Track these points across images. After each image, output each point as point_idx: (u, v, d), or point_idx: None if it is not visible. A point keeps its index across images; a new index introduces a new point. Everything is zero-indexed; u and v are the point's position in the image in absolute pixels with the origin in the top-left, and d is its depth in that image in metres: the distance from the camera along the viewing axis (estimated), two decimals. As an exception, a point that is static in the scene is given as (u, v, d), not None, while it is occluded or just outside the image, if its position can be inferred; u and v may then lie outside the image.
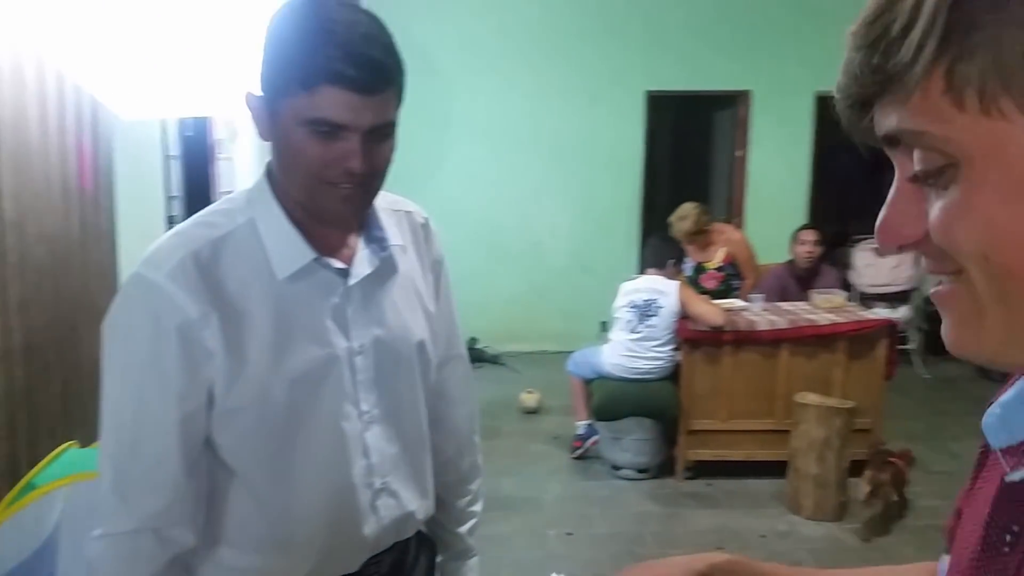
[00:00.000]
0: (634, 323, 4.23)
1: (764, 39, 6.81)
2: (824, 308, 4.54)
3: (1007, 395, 0.56)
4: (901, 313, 6.44)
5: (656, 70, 6.81)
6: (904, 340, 6.04)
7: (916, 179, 0.47)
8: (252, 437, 1.15)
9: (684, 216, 4.93)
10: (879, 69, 0.45)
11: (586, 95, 6.82)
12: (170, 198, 3.38)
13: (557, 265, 6.89)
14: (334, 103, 1.03)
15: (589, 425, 4.49)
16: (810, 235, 5.11)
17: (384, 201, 1.24)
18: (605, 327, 6.65)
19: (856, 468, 3.95)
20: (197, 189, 3.58)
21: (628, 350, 4.23)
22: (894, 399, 4.58)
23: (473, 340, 6.57)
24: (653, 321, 4.19)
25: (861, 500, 3.73)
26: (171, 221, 3.24)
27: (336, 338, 1.17)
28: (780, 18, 6.79)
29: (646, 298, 4.21)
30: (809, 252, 5.08)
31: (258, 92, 1.09)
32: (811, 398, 3.91)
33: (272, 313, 1.13)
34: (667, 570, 0.80)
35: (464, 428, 1.46)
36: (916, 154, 0.46)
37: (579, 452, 4.49)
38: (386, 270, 1.23)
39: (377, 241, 1.23)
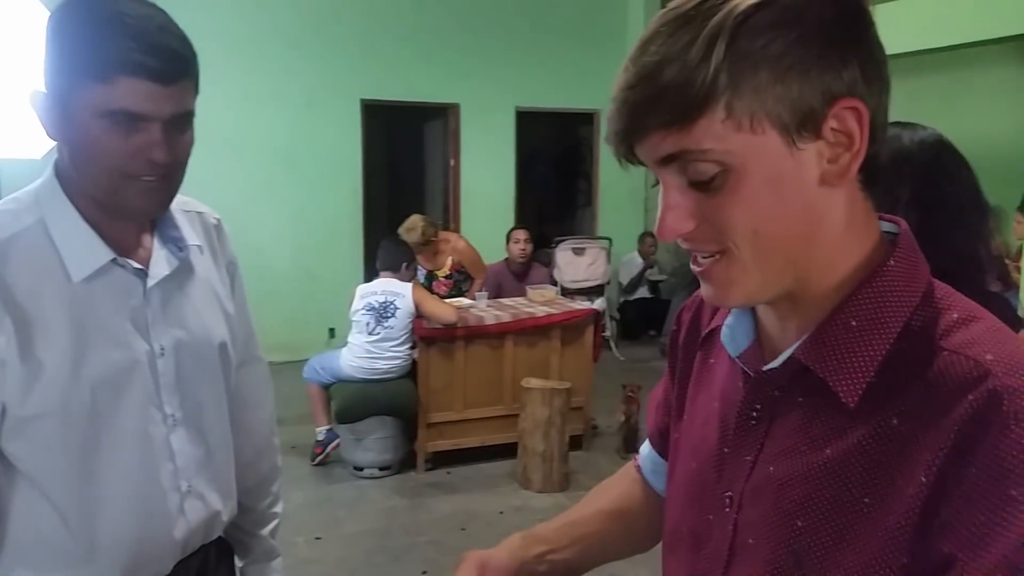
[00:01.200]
0: (372, 325, 4.36)
1: (472, 57, 7.30)
2: (539, 301, 5.03)
3: (729, 318, 0.79)
4: (598, 304, 7.25)
5: (370, 79, 6.99)
6: (603, 327, 6.80)
7: (692, 186, 0.66)
8: (52, 446, 1.11)
9: (412, 228, 5.19)
10: (667, 108, 0.63)
11: (302, 101, 6.81)
12: None
13: (281, 273, 6.80)
14: (134, 93, 1.03)
15: (329, 430, 4.54)
16: (522, 234, 5.62)
17: (176, 202, 1.23)
18: (333, 333, 6.74)
19: (574, 442, 4.46)
20: None
21: (367, 352, 4.36)
22: (597, 379, 5.18)
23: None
24: (390, 322, 4.35)
25: (616, 429, 4.76)
26: None
27: (136, 341, 1.16)
28: (486, 38, 7.33)
29: (383, 300, 4.37)
30: (523, 250, 5.58)
31: (43, 89, 1.07)
32: (534, 382, 4.33)
33: (68, 317, 1.10)
34: (493, 554, 0.96)
35: (263, 431, 1.48)
36: (692, 167, 0.65)
37: (320, 458, 4.53)
38: (184, 271, 1.24)
39: (173, 241, 1.23)
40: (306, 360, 4.80)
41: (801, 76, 0.62)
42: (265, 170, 6.76)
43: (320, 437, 4.55)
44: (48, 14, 1.08)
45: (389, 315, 4.36)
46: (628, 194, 8.07)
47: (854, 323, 0.67)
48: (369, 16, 6.93)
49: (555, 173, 9.40)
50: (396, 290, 4.40)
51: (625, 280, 7.74)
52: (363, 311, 4.40)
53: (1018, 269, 4.65)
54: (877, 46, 0.66)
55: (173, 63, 1.06)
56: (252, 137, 6.67)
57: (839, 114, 0.64)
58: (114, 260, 1.13)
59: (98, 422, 1.13)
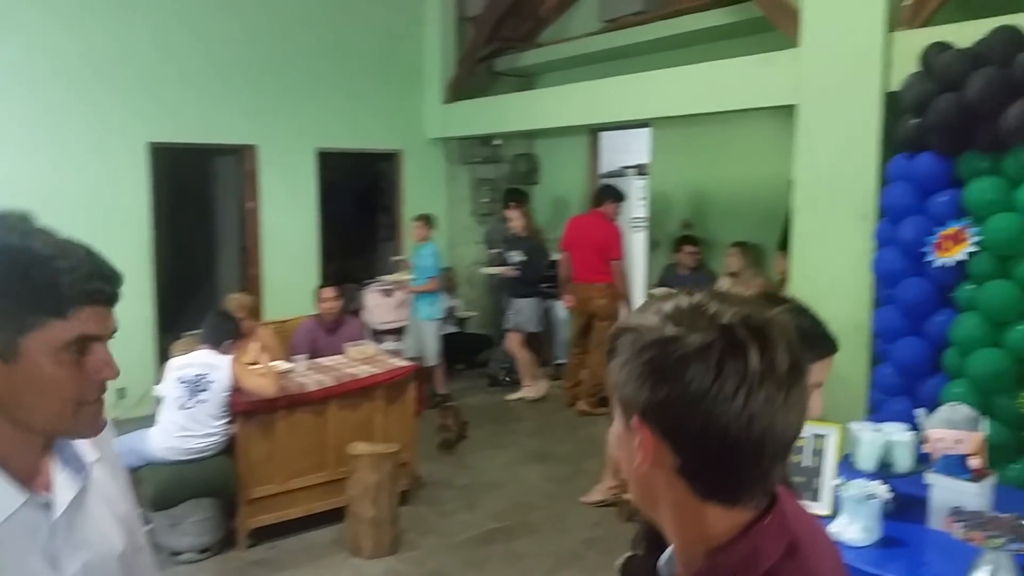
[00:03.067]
0: (184, 399, 4.14)
1: (270, 97, 7.08)
2: (359, 359, 5.00)
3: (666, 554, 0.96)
4: (406, 344, 7.32)
5: (159, 121, 6.58)
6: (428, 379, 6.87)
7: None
8: None
9: (241, 306, 5.09)
10: None
11: (82, 147, 6.27)
12: None
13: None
14: (91, 320, 1.05)
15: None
16: (329, 292, 5.56)
17: None
18: (124, 394, 6.22)
19: (401, 498, 4.49)
20: None
21: (182, 429, 4.12)
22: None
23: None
24: (204, 395, 4.15)
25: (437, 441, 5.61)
26: None
27: (48, 574, 1.12)
28: (284, 79, 7.14)
29: (196, 373, 4.15)
30: (331, 308, 5.52)
31: None
32: (361, 447, 4.31)
33: None
34: None
35: None
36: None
37: (129, 544, 4.21)
38: (84, 489, 1.20)
39: (72, 460, 1.19)
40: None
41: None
42: (46, 219, 6.12)
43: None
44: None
45: (203, 388, 4.16)
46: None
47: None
48: (158, 56, 6.52)
49: (357, 208, 9.32)
50: (211, 362, 4.20)
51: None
52: (175, 385, 4.16)
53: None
54: (690, 387, 0.81)
55: (119, 283, 1.11)
56: (29, 185, 6.03)
57: (635, 424, 0.85)
58: (25, 502, 1.09)
59: None
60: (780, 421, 0.81)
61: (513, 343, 7.10)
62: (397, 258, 7.47)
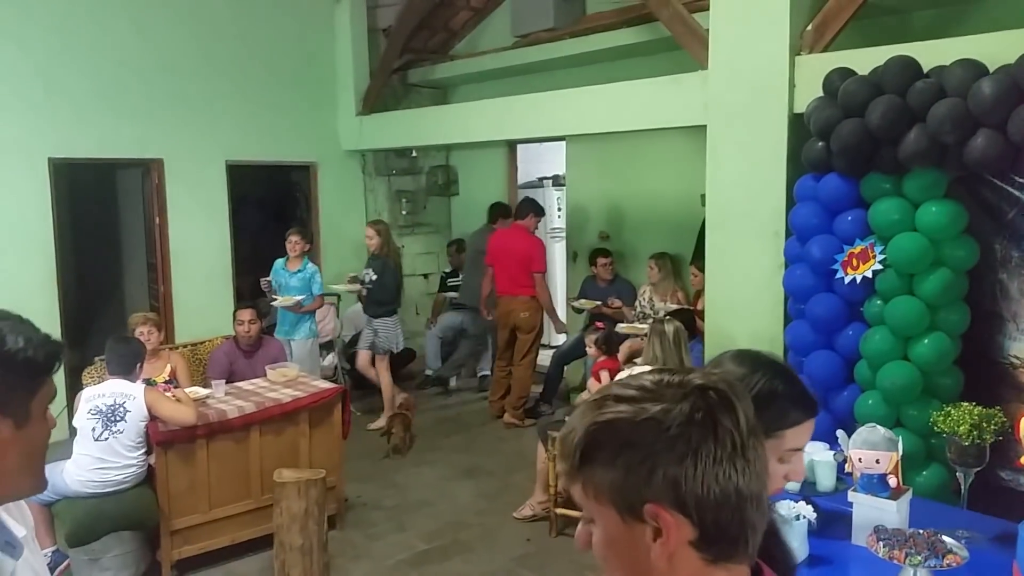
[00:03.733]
0: (99, 430, 3.97)
1: (176, 110, 6.86)
2: (280, 382, 4.91)
3: None
4: (329, 361, 7.23)
5: (59, 136, 6.29)
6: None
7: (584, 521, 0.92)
8: None
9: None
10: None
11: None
12: None
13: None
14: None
15: (56, 551, 4.07)
16: (247, 315, 5.43)
17: None
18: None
19: (329, 522, 4.43)
20: None
21: (98, 461, 3.95)
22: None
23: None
24: (120, 426, 4.00)
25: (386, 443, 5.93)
26: None
27: None
28: (191, 91, 6.92)
29: (111, 403, 4.00)
30: (247, 331, 5.39)
31: None
32: (287, 474, 4.22)
33: None
34: None
35: None
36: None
37: (43, 585, 4.02)
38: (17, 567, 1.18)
39: (5, 541, 1.17)
40: None
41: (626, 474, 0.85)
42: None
43: (47, 561, 4.03)
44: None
45: (119, 419, 4.01)
46: (351, 245, 8.10)
47: None
48: (57, 67, 6.23)
49: (269, 220, 9.12)
50: (126, 391, 4.06)
51: (350, 333, 7.75)
52: (88, 416, 4.00)
53: (701, 316, 5.42)
54: (701, 465, 0.85)
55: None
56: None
57: (652, 511, 0.85)
58: None
59: None
60: (765, 468, 0.89)
61: (379, 365, 6.61)
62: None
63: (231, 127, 7.20)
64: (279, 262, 6.55)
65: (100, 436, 3.99)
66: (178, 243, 7.01)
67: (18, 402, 1.13)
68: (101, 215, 7.92)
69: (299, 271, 6.39)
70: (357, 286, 6.82)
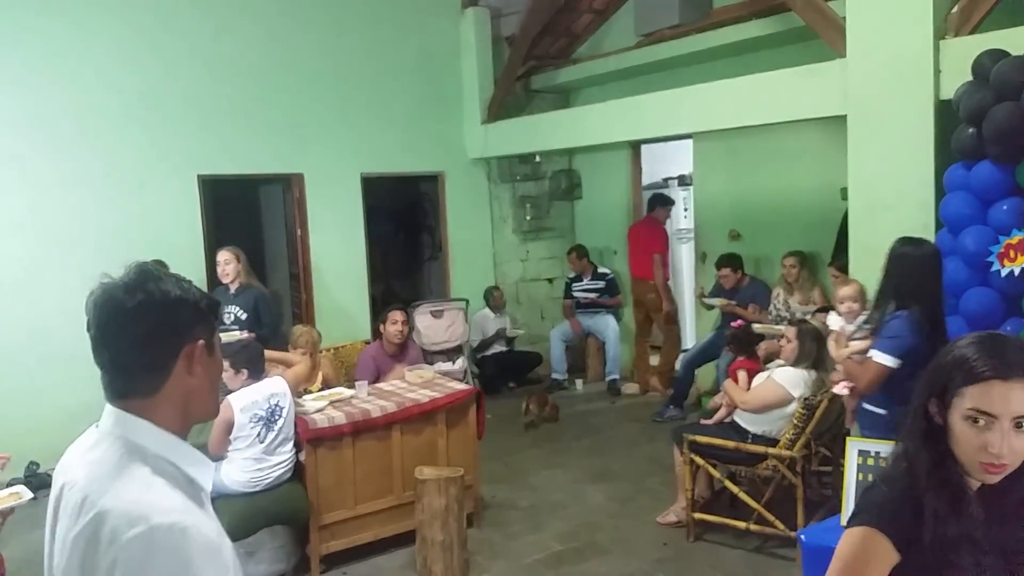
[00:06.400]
0: (264, 434, 4.16)
1: (314, 126, 7.22)
2: (417, 383, 5.07)
3: None
4: (459, 365, 7.39)
5: (208, 154, 6.74)
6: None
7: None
8: None
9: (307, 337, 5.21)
10: None
11: (136, 183, 6.44)
12: None
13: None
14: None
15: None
16: (399, 315, 5.62)
17: None
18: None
19: (469, 521, 4.53)
20: None
21: (259, 462, 4.16)
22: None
23: (34, 465, 5.76)
24: (278, 424, 4.21)
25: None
26: None
27: None
28: (328, 108, 7.28)
29: (267, 406, 4.21)
30: (400, 331, 5.58)
31: None
32: (428, 472, 4.36)
33: None
34: None
35: None
36: None
37: None
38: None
39: None
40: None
41: None
42: (97, 258, 6.33)
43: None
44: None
45: (277, 418, 4.23)
46: (478, 249, 8.28)
47: None
48: (203, 91, 6.69)
49: (399, 229, 9.45)
50: (274, 391, 4.26)
51: (478, 338, 7.90)
52: (251, 425, 4.18)
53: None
54: None
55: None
56: (82, 223, 6.24)
57: None
58: None
59: None
60: None
61: None
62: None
63: (365, 141, 7.52)
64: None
65: (264, 438, 4.18)
66: (318, 253, 7.37)
67: (206, 333, 1.33)
68: (246, 228, 8.42)
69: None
70: (236, 335, 5.10)
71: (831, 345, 3.69)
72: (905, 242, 3.31)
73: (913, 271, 3.21)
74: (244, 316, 5.36)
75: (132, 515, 1.15)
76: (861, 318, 3.60)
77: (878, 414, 3.34)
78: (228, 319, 5.33)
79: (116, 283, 1.29)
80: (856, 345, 3.43)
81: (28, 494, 3.10)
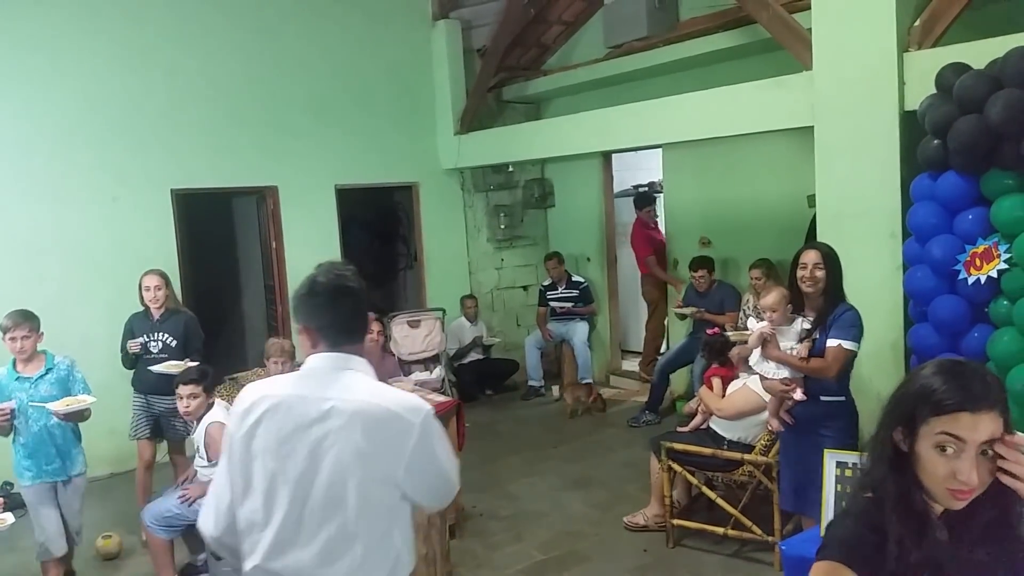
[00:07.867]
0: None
1: (287, 139, 7.21)
2: (397, 396, 5.08)
3: None
4: (436, 373, 7.41)
5: (181, 169, 6.71)
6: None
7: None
8: None
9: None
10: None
11: (108, 197, 6.40)
12: None
13: (99, 380, 6.24)
14: None
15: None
16: (375, 325, 5.61)
17: None
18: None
19: (451, 532, 4.56)
20: None
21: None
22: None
23: (7, 486, 5.68)
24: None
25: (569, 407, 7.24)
26: None
27: None
28: (301, 121, 7.28)
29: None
30: (375, 340, 5.58)
31: None
32: (409, 485, 4.38)
33: None
34: None
35: None
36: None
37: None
38: None
39: None
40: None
41: None
42: (73, 272, 6.29)
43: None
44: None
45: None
46: (453, 258, 8.32)
47: None
48: (175, 104, 6.67)
49: (374, 239, 9.44)
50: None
51: (454, 346, 7.93)
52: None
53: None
54: None
55: None
56: (56, 237, 6.18)
57: None
58: None
59: None
60: None
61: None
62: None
63: (339, 153, 7.52)
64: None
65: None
66: (293, 265, 7.35)
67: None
68: (220, 241, 8.37)
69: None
70: (173, 367, 4.74)
71: (763, 348, 3.69)
72: (825, 244, 3.68)
73: (839, 269, 3.56)
74: (174, 343, 5.05)
75: (410, 405, 1.91)
76: (800, 320, 3.64)
77: (839, 402, 3.57)
78: (155, 348, 5.01)
79: (343, 272, 1.98)
80: (804, 347, 3.55)
81: (11, 519, 3.09)
